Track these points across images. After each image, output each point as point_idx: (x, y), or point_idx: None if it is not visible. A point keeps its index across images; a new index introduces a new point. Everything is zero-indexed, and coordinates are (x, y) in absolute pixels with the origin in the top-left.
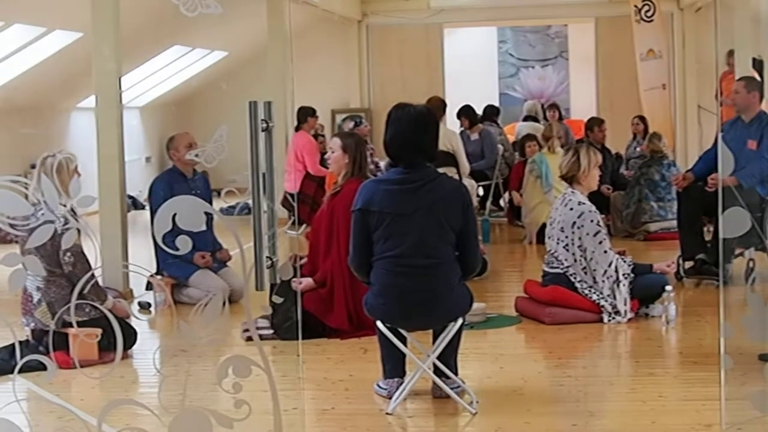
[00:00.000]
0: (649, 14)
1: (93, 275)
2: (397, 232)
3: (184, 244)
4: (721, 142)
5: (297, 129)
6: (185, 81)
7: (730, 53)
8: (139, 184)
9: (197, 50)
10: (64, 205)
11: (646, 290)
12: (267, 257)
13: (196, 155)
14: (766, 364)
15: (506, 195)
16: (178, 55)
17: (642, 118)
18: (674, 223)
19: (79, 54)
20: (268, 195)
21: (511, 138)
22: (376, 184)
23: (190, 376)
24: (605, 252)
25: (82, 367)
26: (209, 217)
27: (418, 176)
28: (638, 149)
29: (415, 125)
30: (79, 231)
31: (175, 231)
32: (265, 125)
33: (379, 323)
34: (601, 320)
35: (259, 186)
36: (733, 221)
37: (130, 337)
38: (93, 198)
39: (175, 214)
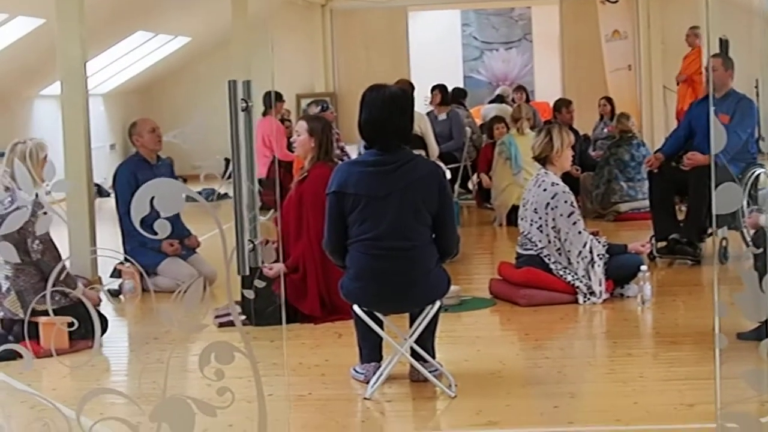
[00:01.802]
0: None
1: (64, 263)
2: (372, 215)
3: (162, 229)
4: (713, 117)
5: (264, 114)
6: (149, 67)
7: (690, 32)
8: (103, 172)
9: (160, 36)
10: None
11: (621, 270)
12: (249, 240)
13: (174, 137)
14: (760, 342)
15: (474, 177)
16: (142, 41)
17: (609, 99)
18: (644, 203)
19: (42, 40)
20: (249, 177)
21: (478, 121)
22: (351, 166)
23: (161, 363)
24: (579, 233)
25: (52, 355)
26: None
27: (394, 158)
28: (605, 130)
29: (390, 107)
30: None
31: (151, 215)
32: (245, 105)
33: (355, 307)
34: (576, 301)
35: (240, 167)
36: (726, 197)
37: (101, 325)
38: (67, 183)
39: (153, 198)
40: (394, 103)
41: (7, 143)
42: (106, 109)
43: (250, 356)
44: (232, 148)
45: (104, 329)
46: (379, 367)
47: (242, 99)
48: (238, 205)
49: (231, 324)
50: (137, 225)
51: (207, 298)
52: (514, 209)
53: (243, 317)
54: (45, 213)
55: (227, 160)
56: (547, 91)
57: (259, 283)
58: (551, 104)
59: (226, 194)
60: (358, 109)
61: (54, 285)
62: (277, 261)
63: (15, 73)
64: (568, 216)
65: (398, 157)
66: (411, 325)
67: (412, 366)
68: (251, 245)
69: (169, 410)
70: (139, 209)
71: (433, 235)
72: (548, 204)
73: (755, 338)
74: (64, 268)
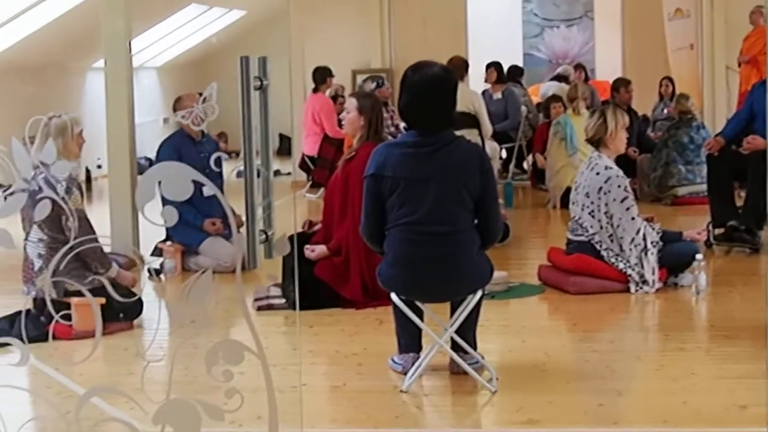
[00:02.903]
0: None
1: (96, 241)
2: (412, 198)
3: (170, 216)
4: None
5: (315, 91)
6: (203, 40)
7: (756, 10)
8: (156, 146)
9: (215, 9)
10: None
11: (675, 259)
12: (261, 230)
13: (183, 117)
14: None
15: (530, 158)
16: (196, 13)
17: (670, 80)
18: (703, 187)
19: (93, 12)
20: (263, 161)
21: (536, 99)
22: (390, 148)
23: (195, 348)
24: (633, 219)
25: (85, 338)
26: (219, 182)
27: (435, 139)
28: (665, 111)
29: (431, 91)
30: (82, 195)
31: (186, 211)
32: (259, 83)
33: (393, 295)
34: (627, 290)
35: (251, 152)
36: None
37: (136, 307)
38: (70, 165)
39: (159, 182)
40: (435, 87)
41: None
42: (160, 82)
43: (261, 355)
44: (243, 131)
45: (139, 311)
46: (418, 358)
47: (256, 77)
48: (249, 194)
49: (270, 307)
50: (141, 211)
51: (216, 290)
52: (569, 191)
53: (283, 301)
54: (43, 198)
55: (282, 136)
56: (608, 69)
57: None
58: (611, 83)
59: (278, 171)
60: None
61: (84, 265)
62: (319, 243)
63: (66, 44)
64: (621, 201)
65: (439, 139)
66: (452, 314)
67: (451, 358)
68: (264, 236)
69: (173, 412)
70: (144, 195)
71: (476, 221)
72: (601, 188)
73: None
74: (88, 245)
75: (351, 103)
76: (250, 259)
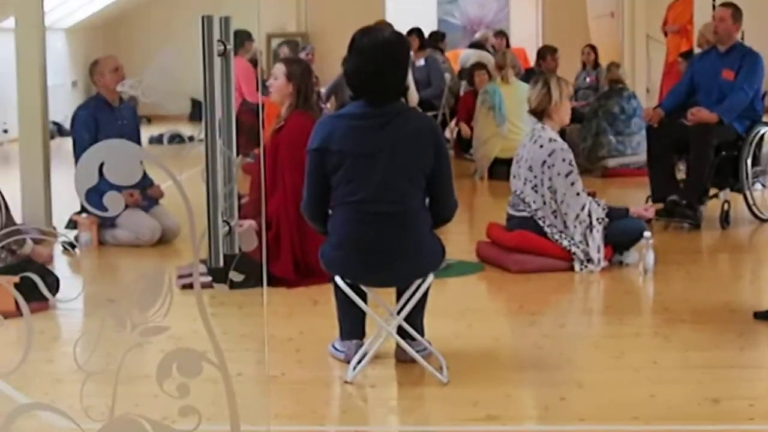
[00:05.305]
0: None
1: (10, 218)
2: (359, 175)
3: (114, 204)
4: None
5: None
6: (115, 1)
7: None
8: (64, 110)
9: None
10: None
11: (621, 236)
12: (224, 221)
13: (131, 86)
14: None
15: (452, 125)
16: None
17: (593, 48)
18: (633, 158)
19: None
20: (226, 141)
21: (455, 66)
22: (336, 120)
23: (117, 332)
24: (577, 194)
25: None
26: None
27: (385, 111)
28: (588, 79)
29: (382, 57)
30: None
31: (102, 183)
32: (222, 48)
33: (337, 278)
34: (572, 269)
35: (214, 129)
36: None
37: (51, 285)
38: None
39: (102, 164)
40: (389, 52)
41: None
42: (69, 45)
43: (222, 366)
44: (204, 105)
45: (56, 289)
46: (362, 345)
47: (219, 41)
48: (211, 178)
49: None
50: (83, 199)
51: (167, 293)
52: (496, 162)
53: (209, 278)
54: None
55: (194, 101)
56: (523, 36)
57: (236, 276)
58: (527, 51)
59: (191, 137)
60: (336, 52)
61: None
62: (247, 217)
63: None
64: (566, 176)
65: (389, 110)
66: (398, 298)
67: (398, 344)
68: (226, 227)
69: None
70: (85, 179)
71: (427, 199)
72: (545, 162)
73: None
74: (9, 221)
75: (279, 70)
76: (213, 257)
